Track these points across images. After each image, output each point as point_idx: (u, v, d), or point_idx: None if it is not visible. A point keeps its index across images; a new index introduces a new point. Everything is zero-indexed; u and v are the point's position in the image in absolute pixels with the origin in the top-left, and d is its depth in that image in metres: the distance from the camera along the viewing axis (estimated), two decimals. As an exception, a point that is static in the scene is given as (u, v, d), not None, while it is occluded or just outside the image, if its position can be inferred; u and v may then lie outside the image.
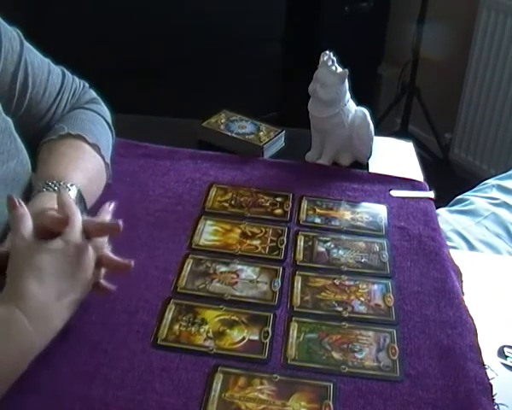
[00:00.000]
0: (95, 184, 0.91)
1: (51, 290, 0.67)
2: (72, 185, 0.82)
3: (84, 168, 0.88)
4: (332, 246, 0.91)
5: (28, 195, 0.82)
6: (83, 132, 0.91)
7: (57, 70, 0.95)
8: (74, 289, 0.69)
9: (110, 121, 1.00)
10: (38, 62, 0.90)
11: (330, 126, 1.06)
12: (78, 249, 0.69)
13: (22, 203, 0.71)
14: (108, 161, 0.95)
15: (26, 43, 0.88)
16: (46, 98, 0.92)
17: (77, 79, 1.00)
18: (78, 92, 0.99)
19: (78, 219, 0.71)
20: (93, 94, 1.02)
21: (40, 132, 0.92)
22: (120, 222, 0.70)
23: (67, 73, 0.98)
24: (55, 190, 0.81)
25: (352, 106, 1.07)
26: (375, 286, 0.84)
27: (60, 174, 0.83)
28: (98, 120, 0.97)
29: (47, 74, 0.92)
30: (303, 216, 0.97)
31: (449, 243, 1.04)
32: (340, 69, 1.03)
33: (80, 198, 0.83)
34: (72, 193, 0.82)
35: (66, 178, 0.83)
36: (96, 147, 0.91)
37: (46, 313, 0.66)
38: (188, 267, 0.85)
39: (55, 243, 0.68)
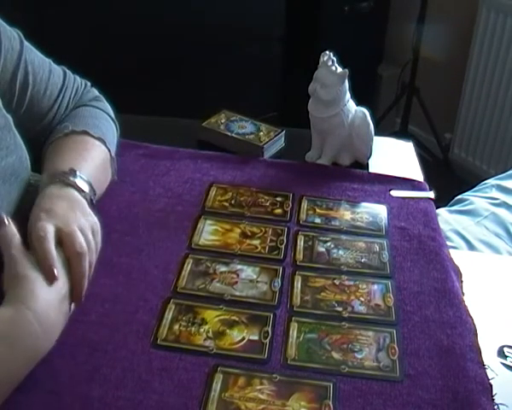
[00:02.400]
0: (102, 174, 0.90)
1: (56, 293, 0.67)
2: (81, 174, 0.82)
3: (90, 158, 0.87)
4: (332, 246, 0.91)
5: (26, 190, 0.83)
6: (87, 128, 0.91)
7: (59, 70, 0.95)
8: (68, 297, 0.69)
9: (114, 117, 1.00)
10: (39, 62, 0.90)
11: (330, 126, 1.06)
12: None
13: (11, 221, 0.71)
14: (114, 154, 0.94)
15: (27, 43, 0.88)
16: (47, 97, 0.91)
17: (78, 79, 0.99)
18: (80, 91, 0.99)
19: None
20: (95, 92, 1.02)
21: (42, 132, 0.92)
22: None
23: (69, 72, 0.97)
24: (63, 181, 0.80)
25: (351, 106, 1.07)
26: (375, 286, 0.84)
27: (67, 167, 0.82)
28: (102, 115, 0.97)
29: (48, 73, 0.91)
30: (303, 216, 0.97)
31: (449, 243, 1.04)
32: (340, 69, 1.03)
33: (90, 187, 0.82)
34: (81, 182, 0.81)
35: (74, 168, 0.83)
36: (101, 140, 0.91)
37: (53, 315, 0.66)
38: (188, 267, 0.85)
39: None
